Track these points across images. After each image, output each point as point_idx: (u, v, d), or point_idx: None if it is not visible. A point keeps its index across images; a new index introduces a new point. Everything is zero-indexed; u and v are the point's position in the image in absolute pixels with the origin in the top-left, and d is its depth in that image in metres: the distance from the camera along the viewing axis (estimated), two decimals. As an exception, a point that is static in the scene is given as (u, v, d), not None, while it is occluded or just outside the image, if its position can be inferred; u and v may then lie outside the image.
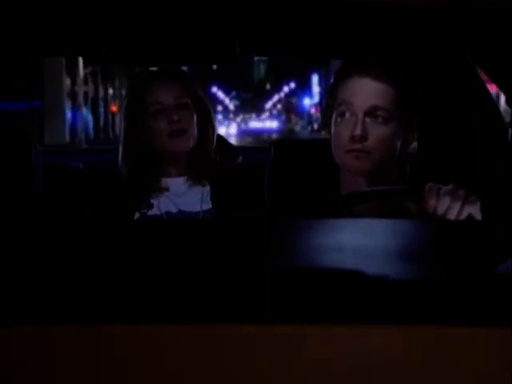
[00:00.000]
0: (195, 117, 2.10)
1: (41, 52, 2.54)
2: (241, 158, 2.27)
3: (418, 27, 1.63)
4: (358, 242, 0.97)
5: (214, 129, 2.18)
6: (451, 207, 1.36)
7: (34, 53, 2.51)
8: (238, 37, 1.85)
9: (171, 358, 0.74)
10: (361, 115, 1.56)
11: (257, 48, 2.27)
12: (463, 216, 1.35)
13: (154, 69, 2.24)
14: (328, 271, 0.83)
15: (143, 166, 2.12)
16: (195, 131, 2.10)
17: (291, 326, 0.74)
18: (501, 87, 1.82)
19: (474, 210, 1.36)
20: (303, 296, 0.77)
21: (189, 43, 1.91)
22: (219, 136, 2.33)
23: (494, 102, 1.87)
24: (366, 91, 1.58)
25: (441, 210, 1.36)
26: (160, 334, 0.75)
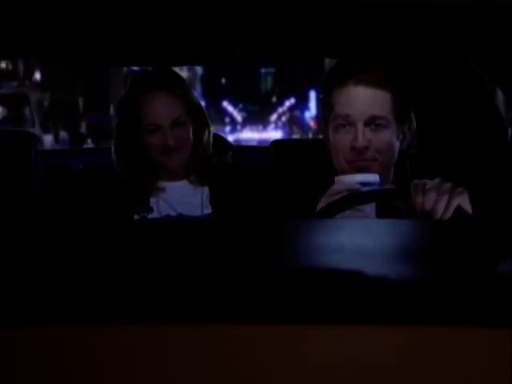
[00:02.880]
0: (191, 131, 2.09)
1: (41, 52, 2.54)
2: (232, 152, 2.26)
3: (419, 28, 1.63)
4: (358, 242, 0.97)
5: (209, 133, 2.18)
6: (438, 200, 1.33)
7: (33, 53, 2.51)
8: (238, 37, 1.85)
9: (171, 358, 0.74)
10: (360, 126, 1.56)
11: (257, 48, 2.27)
12: (452, 208, 1.33)
13: (149, 70, 2.19)
14: (328, 271, 0.83)
15: (138, 172, 2.12)
16: (190, 145, 2.10)
17: (291, 326, 0.74)
18: (502, 88, 1.82)
19: (463, 201, 1.34)
20: (303, 296, 0.77)
21: (189, 44, 1.91)
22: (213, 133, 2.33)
23: (495, 103, 1.87)
24: (362, 101, 1.56)
25: (428, 204, 1.33)
26: (160, 333, 0.75)
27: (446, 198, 1.33)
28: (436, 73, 2.01)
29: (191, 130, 2.09)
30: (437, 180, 1.36)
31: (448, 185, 1.35)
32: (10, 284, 0.81)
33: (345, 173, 1.59)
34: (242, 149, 2.77)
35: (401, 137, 1.64)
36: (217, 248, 0.96)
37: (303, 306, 0.76)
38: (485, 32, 1.55)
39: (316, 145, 1.91)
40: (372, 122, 1.56)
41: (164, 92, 2.04)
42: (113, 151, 2.15)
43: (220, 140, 2.30)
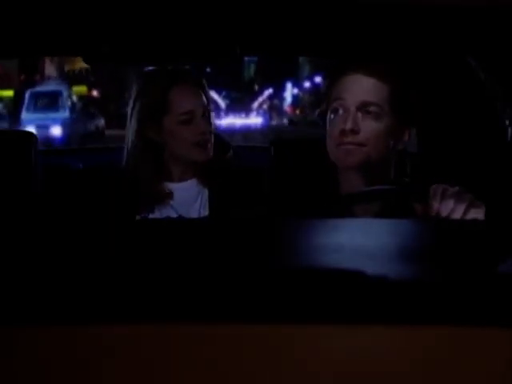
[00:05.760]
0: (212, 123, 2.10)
1: (41, 52, 2.54)
2: (232, 151, 2.26)
3: (418, 27, 1.63)
4: (358, 242, 0.97)
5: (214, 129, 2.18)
6: (455, 209, 1.35)
7: (34, 53, 2.51)
8: (238, 37, 1.85)
9: (171, 358, 0.74)
10: (353, 110, 1.57)
11: (255, 48, 2.27)
12: (467, 219, 1.34)
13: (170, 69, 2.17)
14: (328, 271, 0.83)
15: (147, 173, 2.12)
16: (213, 139, 2.09)
17: (291, 326, 0.74)
18: (502, 87, 1.82)
19: (479, 214, 1.35)
20: (303, 296, 0.77)
21: (189, 43, 1.91)
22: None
23: (494, 102, 1.87)
24: (357, 86, 1.59)
25: (445, 211, 1.35)
26: (160, 334, 0.75)
27: (463, 208, 1.34)
28: (435, 72, 2.01)
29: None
30: (456, 188, 1.37)
31: (467, 196, 1.36)
32: (9, 284, 0.81)
33: (335, 159, 1.61)
34: (241, 149, 2.77)
35: (396, 134, 1.63)
36: (217, 248, 0.96)
37: (303, 306, 0.76)
38: (484, 31, 1.55)
39: (315, 145, 1.91)
40: (365, 106, 1.57)
41: (193, 83, 2.04)
42: (126, 150, 2.14)
43: (219, 138, 2.29)
